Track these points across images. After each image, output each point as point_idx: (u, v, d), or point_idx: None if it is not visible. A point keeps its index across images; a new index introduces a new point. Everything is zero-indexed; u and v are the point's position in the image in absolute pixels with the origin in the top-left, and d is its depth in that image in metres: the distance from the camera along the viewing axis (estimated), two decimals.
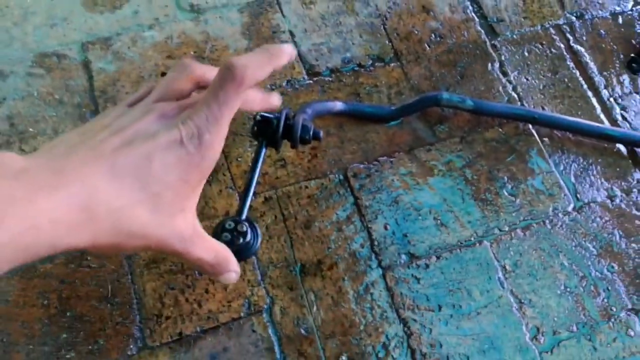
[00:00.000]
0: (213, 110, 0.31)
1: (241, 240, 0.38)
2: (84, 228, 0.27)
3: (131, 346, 0.42)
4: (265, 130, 0.41)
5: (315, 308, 0.45)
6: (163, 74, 0.54)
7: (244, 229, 0.38)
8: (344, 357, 0.43)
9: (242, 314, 0.44)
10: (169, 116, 0.32)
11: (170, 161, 0.30)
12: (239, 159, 0.50)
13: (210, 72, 0.36)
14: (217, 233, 0.38)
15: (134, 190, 0.29)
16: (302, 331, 0.44)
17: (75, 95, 0.52)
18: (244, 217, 0.39)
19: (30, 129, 0.50)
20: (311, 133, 0.42)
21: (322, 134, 0.43)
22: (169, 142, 0.30)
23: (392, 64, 0.57)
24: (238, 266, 0.36)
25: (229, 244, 0.38)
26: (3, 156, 0.27)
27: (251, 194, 0.40)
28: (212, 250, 0.34)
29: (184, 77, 0.35)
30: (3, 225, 0.24)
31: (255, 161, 0.41)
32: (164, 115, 0.32)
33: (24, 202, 0.25)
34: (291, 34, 0.57)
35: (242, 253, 0.38)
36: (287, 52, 0.35)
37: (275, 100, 0.40)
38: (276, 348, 0.43)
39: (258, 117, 0.41)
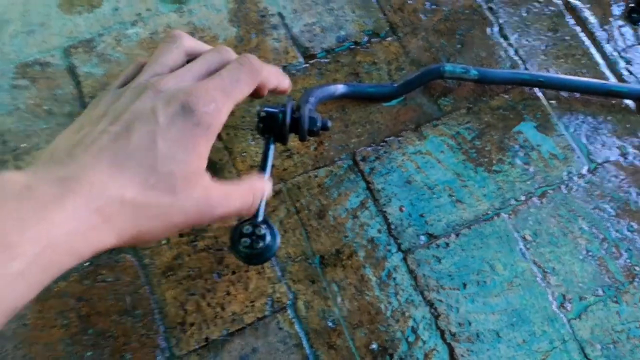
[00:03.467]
0: (225, 83, 0.31)
1: (261, 243, 0.37)
2: (102, 229, 0.26)
3: (158, 357, 0.42)
4: (272, 126, 0.39)
5: (339, 299, 0.44)
6: None
7: (262, 232, 0.37)
8: (374, 346, 0.43)
9: (266, 313, 0.43)
10: (165, 90, 0.30)
11: (174, 136, 0.28)
12: (243, 154, 0.49)
13: (200, 47, 0.35)
14: (234, 239, 0.37)
15: (143, 176, 0.27)
16: (329, 323, 0.43)
17: (64, 105, 0.49)
18: (260, 219, 0.37)
19: (23, 145, 0.48)
20: (319, 124, 0.40)
21: (330, 123, 0.41)
22: (169, 116, 0.28)
23: (389, 38, 0.55)
24: (266, 180, 0.37)
25: (249, 248, 0.37)
26: (1, 178, 0.25)
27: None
28: (248, 193, 0.34)
29: (175, 50, 0.33)
30: (18, 251, 0.23)
31: (264, 159, 0.39)
32: (159, 90, 0.30)
33: (34, 222, 0.24)
34: (280, 16, 0.55)
35: (262, 255, 0.38)
36: (288, 82, 0.39)
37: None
38: (305, 343, 0.43)
39: (262, 113, 0.39)
